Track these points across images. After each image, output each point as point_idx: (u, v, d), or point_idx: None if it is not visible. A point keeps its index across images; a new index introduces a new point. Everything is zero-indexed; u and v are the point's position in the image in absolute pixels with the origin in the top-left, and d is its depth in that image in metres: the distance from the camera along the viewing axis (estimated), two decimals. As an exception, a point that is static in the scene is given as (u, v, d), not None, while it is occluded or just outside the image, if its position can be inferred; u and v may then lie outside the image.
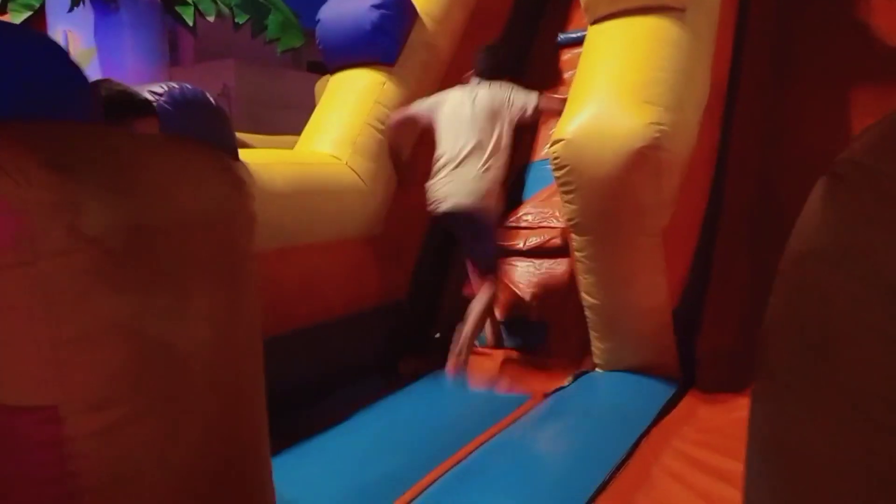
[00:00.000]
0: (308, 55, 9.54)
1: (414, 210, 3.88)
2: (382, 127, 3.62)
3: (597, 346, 3.13)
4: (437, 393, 3.21)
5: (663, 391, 2.91)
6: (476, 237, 3.40)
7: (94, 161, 0.98)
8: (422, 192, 3.68)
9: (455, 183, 3.33)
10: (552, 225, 3.89)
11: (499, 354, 3.60)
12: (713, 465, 2.22)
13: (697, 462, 2.26)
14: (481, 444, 2.57)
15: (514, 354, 3.59)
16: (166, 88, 2.73)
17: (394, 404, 3.07)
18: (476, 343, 3.55)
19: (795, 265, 0.78)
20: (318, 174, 3.33)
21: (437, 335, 3.80)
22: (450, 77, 4.09)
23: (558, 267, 3.75)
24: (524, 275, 3.86)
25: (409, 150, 3.82)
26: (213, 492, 1.14)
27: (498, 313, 3.75)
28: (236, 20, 8.21)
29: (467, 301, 3.49)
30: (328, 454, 2.56)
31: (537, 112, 3.41)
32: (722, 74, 3.39)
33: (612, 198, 2.78)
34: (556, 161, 2.87)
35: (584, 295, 3.07)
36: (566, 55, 4.48)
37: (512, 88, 3.45)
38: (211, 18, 7.92)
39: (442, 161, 3.39)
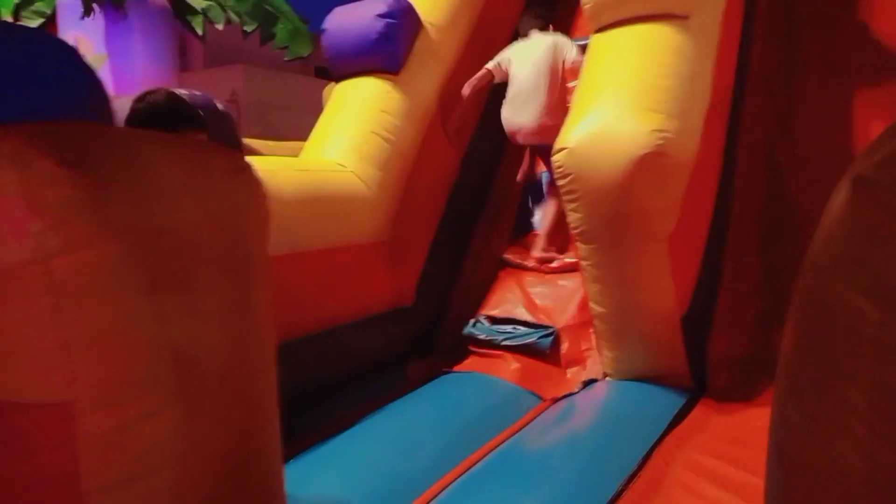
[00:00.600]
0: (315, 60, 9.59)
1: (420, 216, 3.90)
2: (388, 135, 3.64)
3: (605, 354, 3.13)
4: (447, 396, 3.22)
5: (674, 400, 2.90)
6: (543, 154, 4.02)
7: (108, 160, 0.99)
8: (428, 199, 3.70)
9: (524, 111, 4.00)
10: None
11: (509, 357, 3.61)
12: (726, 476, 2.21)
13: (710, 473, 2.25)
14: (494, 448, 2.58)
15: (523, 359, 3.59)
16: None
17: (404, 408, 3.07)
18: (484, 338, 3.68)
19: (811, 278, 0.78)
20: (325, 181, 3.35)
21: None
22: (455, 85, 4.12)
23: (571, 279, 3.76)
24: (538, 285, 3.89)
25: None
26: (225, 492, 1.14)
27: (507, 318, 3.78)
28: (245, 28, 8.26)
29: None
30: (341, 458, 2.57)
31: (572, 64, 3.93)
32: (728, 77, 3.39)
33: (616, 205, 2.79)
34: (559, 170, 2.88)
35: (591, 303, 3.07)
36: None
37: (563, 37, 4.12)
38: (220, 26, 7.98)
39: (512, 94, 4.05)
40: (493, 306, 3.94)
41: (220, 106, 2.78)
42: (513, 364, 3.56)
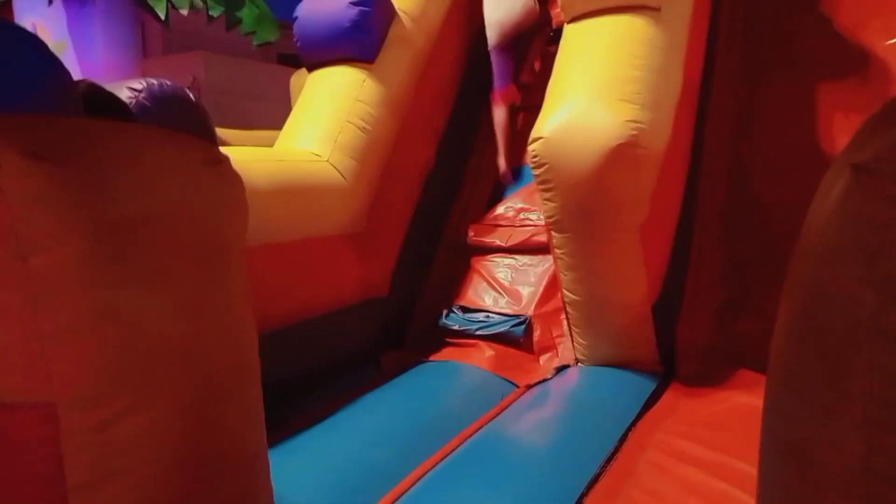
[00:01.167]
0: (278, 47, 9.45)
1: (396, 205, 3.91)
2: (363, 125, 3.63)
3: (578, 341, 3.19)
4: (423, 385, 3.24)
5: (646, 385, 2.97)
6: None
7: (79, 152, 0.97)
8: (404, 188, 3.70)
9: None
10: (534, 222, 3.95)
11: (482, 346, 3.65)
12: (698, 456, 2.28)
13: (682, 454, 2.32)
14: (470, 435, 2.60)
15: (497, 347, 3.63)
16: (145, 84, 2.70)
17: (378, 399, 3.08)
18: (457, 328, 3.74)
19: (807, 267, 0.79)
20: (300, 171, 3.33)
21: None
22: (429, 74, 4.12)
23: (539, 263, 3.81)
24: (504, 271, 3.93)
25: None
26: (202, 488, 1.14)
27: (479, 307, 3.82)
28: (210, 13, 8.10)
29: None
30: (314, 451, 2.56)
31: None
32: (696, 71, 3.46)
33: (590, 195, 2.84)
34: (534, 159, 2.92)
35: (564, 291, 3.12)
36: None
37: None
38: (184, 12, 7.81)
39: None
40: (464, 295, 3.98)
41: (192, 96, 2.74)
42: (487, 352, 3.60)
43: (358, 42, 3.78)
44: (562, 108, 2.90)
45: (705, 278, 3.49)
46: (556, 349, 3.53)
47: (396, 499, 2.16)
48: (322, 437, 2.68)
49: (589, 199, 2.85)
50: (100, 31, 7.37)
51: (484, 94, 4.44)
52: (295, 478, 2.29)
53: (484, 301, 3.87)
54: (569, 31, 3.30)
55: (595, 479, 2.18)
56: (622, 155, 2.75)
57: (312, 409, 2.94)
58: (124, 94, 2.64)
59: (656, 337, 3.07)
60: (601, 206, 2.85)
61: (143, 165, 1.06)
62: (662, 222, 3.12)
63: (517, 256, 3.92)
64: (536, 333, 3.61)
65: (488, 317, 3.75)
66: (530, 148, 2.93)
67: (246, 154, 3.27)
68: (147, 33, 14.35)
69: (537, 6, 4.29)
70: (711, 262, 3.55)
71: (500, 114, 4.34)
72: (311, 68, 3.98)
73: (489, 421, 2.77)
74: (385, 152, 3.78)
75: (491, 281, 3.93)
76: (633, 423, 2.62)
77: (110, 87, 2.70)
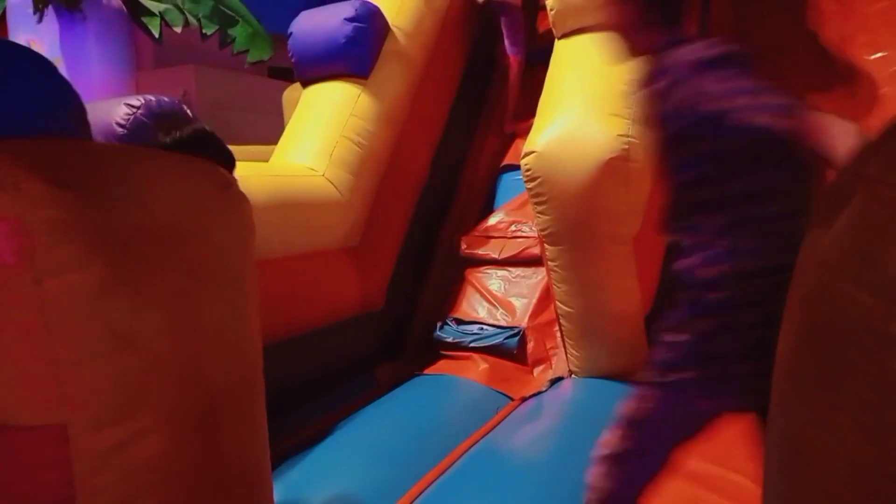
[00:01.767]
0: (270, 61, 9.48)
1: (391, 219, 3.93)
2: (359, 139, 3.66)
3: (572, 353, 3.21)
4: (418, 399, 3.25)
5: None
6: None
7: (100, 179, 0.98)
8: (399, 202, 3.72)
9: None
10: (526, 234, 3.97)
11: (477, 358, 3.66)
12: (693, 469, 2.29)
13: (677, 467, 2.33)
14: (467, 449, 2.61)
15: (491, 360, 3.65)
16: (143, 101, 2.72)
17: (374, 413, 3.09)
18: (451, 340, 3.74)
19: (815, 275, 0.80)
20: (296, 186, 3.35)
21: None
22: (424, 88, 4.16)
23: (532, 275, 3.83)
24: (498, 283, 3.95)
25: None
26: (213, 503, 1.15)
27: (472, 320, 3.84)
28: (204, 31, 8.10)
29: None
30: (312, 466, 2.56)
31: None
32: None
33: (583, 208, 2.87)
34: (527, 173, 2.95)
35: (558, 303, 3.15)
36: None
37: None
38: (178, 29, 7.82)
39: None
40: (458, 307, 3.99)
41: (189, 113, 2.74)
42: (481, 365, 3.61)
43: (353, 57, 3.81)
44: (554, 123, 2.95)
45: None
46: (550, 361, 3.54)
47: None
48: (320, 452, 2.68)
49: (582, 211, 2.88)
50: (93, 47, 7.38)
51: (478, 107, 4.50)
52: (295, 493, 2.30)
53: (478, 313, 3.89)
54: (560, 47, 3.35)
55: (592, 490, 2.19)
56: (614, 168, 2.79)
57: (309, 423, 2.95)
58: (122, 111, 2.65)
59: (650, 349, 3.08)
60: (594, 218, 2.89)
61: (160, 191, 1.07)
62: (656, 234, 3.14)
63: (510, 268, 3.95)
64: (530, 345, 3.63)
65: (482, 329, 3.77)
66: (523, 162, 2.97)
67: (242, 169, 3.28)
68: (138, 47, 14.37)
69: None
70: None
71: (512, 76, 4.53)
72: (305, 84, 4.01)
73: (486, 434, 2.78)
74: (380, 166, 3.81)
75: (485, 293, 3.95)
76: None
77: (108, 103, 2.71)
